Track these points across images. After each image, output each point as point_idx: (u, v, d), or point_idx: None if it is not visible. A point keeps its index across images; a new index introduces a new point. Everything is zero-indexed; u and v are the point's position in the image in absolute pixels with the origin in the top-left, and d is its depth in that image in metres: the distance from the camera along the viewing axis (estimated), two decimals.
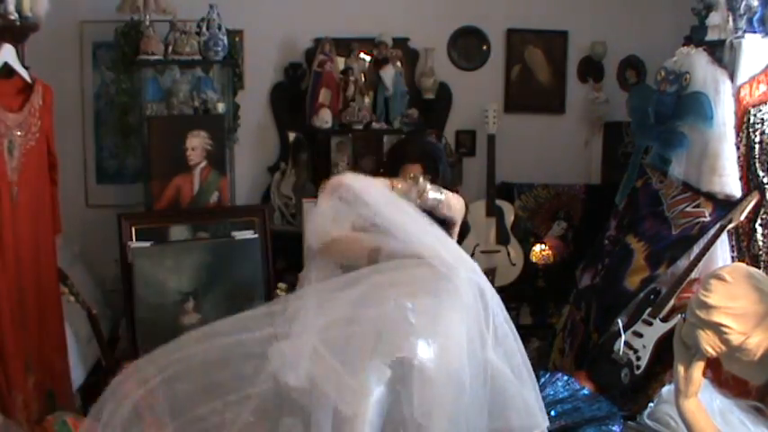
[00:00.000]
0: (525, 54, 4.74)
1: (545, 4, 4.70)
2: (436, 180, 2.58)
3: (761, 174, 3.32)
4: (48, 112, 2.99)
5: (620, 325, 3.39)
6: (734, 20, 3.43)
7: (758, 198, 3.32)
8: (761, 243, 3.33)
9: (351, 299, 2.10)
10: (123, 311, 3.86)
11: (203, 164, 3.99)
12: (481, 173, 4.49)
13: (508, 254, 4.47)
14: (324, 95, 4.35)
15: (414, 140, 3.56)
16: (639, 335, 3.32)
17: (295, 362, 2.02)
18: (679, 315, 3.14)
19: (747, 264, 3.02)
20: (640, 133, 3.80)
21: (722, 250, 3.38)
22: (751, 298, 1.95)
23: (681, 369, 2.10)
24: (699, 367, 2.08)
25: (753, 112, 3.35)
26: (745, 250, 3.40)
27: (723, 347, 1.98)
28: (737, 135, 3.38)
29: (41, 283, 2.99)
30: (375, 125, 4.41)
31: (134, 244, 3.71)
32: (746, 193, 3.36)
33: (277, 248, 3.96)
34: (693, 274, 3.32)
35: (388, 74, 4.37)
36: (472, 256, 4.39)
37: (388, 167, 2.75)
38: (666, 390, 2.82)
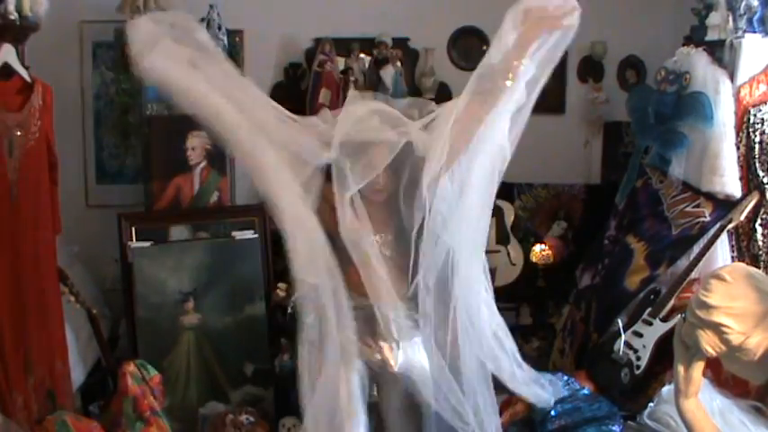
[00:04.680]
0: None
1: None
2: None
3: (761, 174, 3.33)
4: (48, 111, 2.99)
5: (620, 325, 3.39)
6: (734, 20, 3.43)
7: (758, 198, 3.33)
8: (761, 243, 3.33)
9: None
10: (123, 311, 3.86)
11: (203, 164, 3.99)
12: None
13: (508, 254, 4.47)
14: (324, 95, 4.35)
15: None
16: (639, 335, 3.32)
17: None
18: (679, 315, 3.14)
19: (747, 264, 3.02)
20: (640, 133, 3.80)
21: (722, 250, 3.38)
22: (751, 298, 1.95)
23: (681, 369, 2.10)
24: (699, 367, 2.08)
25: (753, 112, 3.35)
26: (745, 250, 3.40)
27: (723, 347, 1.97)
28: (737, 135, 3.38)
29: (41, 283, 2.99)
30: None
31: (134, 244, 3.71)
32: (746, 193, 3.36)
33: (277, 248, 3.95)
34: (693, 274, 3.32)
35: (388, 74, 4.37)
36: None
37: None
38: (666, 390, 2.82)
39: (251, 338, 3.74)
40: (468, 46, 4.72)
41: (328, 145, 2.33)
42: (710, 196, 3.42)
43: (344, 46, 4.41)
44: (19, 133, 2.83)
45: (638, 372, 3.26)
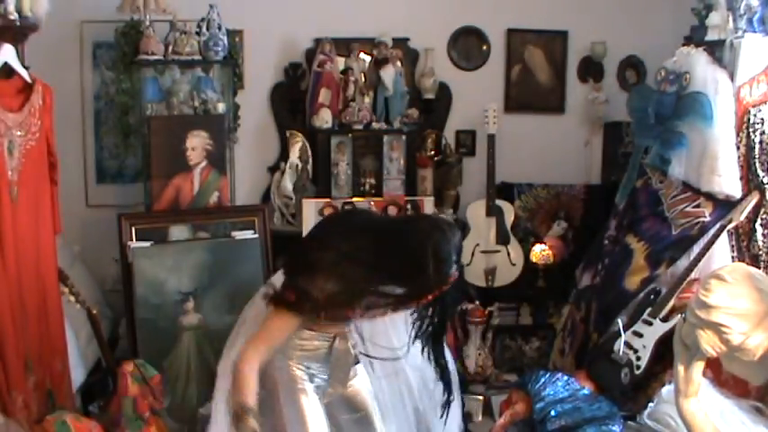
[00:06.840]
0: (525, 54, 4.74)
1: (545, 4, 4.70)
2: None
3: (761, 174, 3.32)
4: (48, 112, 2.98)
5: (620, 325, 3.39)
6: (734, 20, 3.43)
7: (758, 198, 3.33)
8: (761, 243, 3.33)
9: None
10: (123, 311, 3.86)
11: (203, 164, 3.99)
12: (481, 173, 4.48)
13: (508, 254, 4.47)
14: (324, 95, 4.35)
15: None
16: (639, 335, 3.32)
17: None
18: (679, 315, 3.14)
19: (747, 264, 3.02)
20: (640, 133, 3.80)
21: (722, 250, 3.38)
22: (751, 298, 1.96)
23: (681, 369, 2.10)
24: (699, 367, 2.09)
25: (753, 112, 3.35)
26: (745, 250, 3.40)
27: (723, 347, 1.98)
28: (737, 135, 3.38)
29: (41, 283, 2.98)
30: (375, 125, 4.41)
31: (134, 244, 3.71)
32: (746, 193, 3.36)
33: (277, 248, 3.95)
34: (693, 274, 3.32)
35: (388, 74, 4.37)
36: (472, 256, 4.42)
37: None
38: (666, 390, 2.81)
39: None
40: (469, 46, 4.72)
41: None
42: (710, 196, 3.42)
43: (344, 46, 4.41)
44: (19, 133, 2.83)
45: (638, 372, 3.26)
